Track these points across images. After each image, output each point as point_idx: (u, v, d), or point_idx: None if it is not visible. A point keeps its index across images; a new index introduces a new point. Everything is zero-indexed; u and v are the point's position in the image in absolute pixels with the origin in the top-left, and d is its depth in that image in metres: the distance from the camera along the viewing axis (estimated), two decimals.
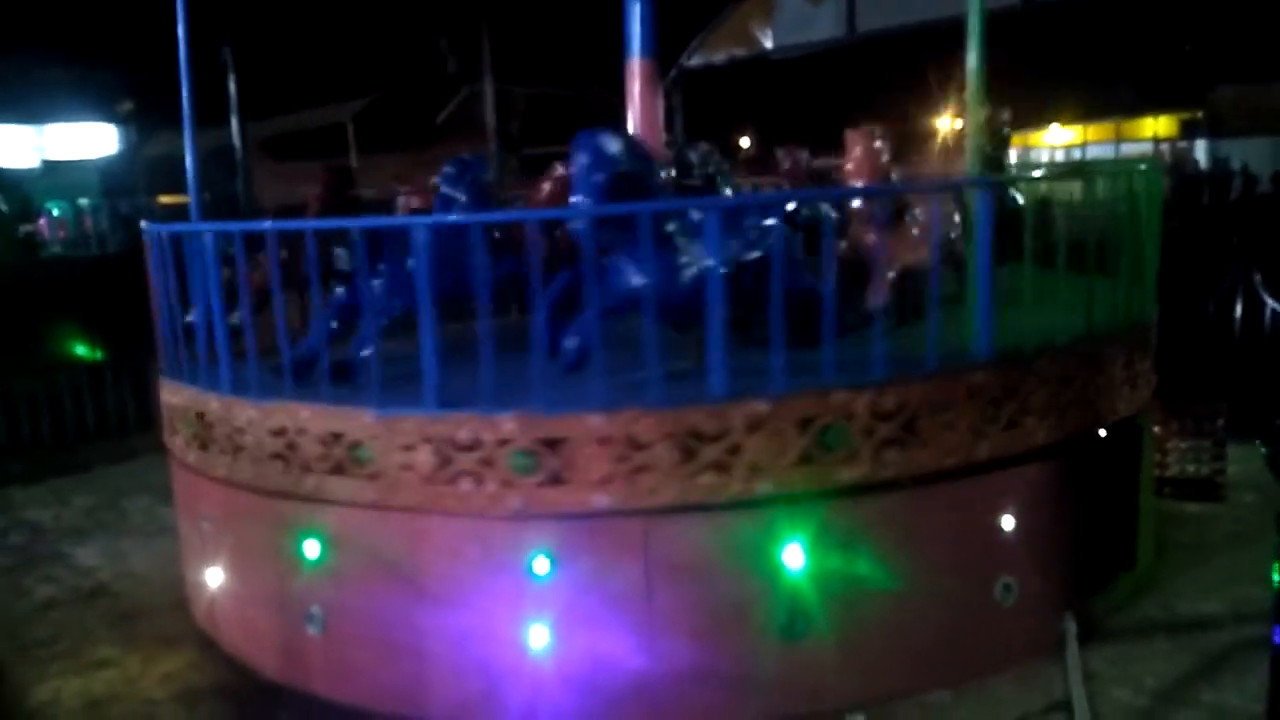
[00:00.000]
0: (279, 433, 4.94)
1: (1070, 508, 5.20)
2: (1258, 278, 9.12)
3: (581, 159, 4.80)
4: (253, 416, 5.03)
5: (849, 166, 6.28)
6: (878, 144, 6.20)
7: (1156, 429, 6.70)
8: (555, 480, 4.47)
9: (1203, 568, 6.04)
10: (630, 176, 4.81)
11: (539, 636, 4.56)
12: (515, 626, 4.58)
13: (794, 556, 4.54)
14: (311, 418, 4.84)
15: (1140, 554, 5.85)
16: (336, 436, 4.78)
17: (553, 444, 4.45)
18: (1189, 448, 7.18)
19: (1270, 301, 9.08)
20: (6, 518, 8.30)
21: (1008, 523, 4.92)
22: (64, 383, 9.93)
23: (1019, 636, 4.99)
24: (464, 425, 4.52)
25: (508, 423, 4.47)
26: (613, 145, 4.82)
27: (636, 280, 4.65)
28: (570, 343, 4.69)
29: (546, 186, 6.97)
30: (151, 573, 6.81)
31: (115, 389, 10.04)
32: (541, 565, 4.52)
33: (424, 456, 4.59)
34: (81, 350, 11.16)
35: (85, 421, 9.96)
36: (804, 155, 7.96)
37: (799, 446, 4.46)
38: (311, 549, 4.95)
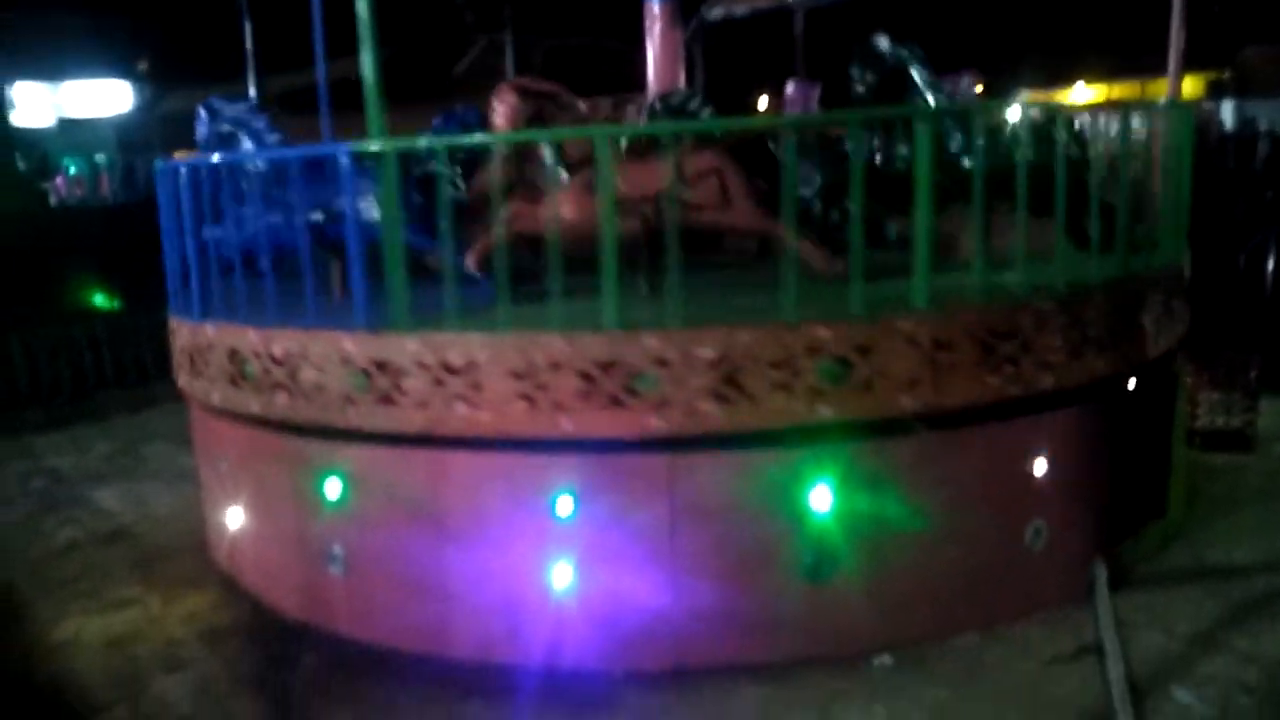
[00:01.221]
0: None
1: (1103, 454, 5.11)
2: None
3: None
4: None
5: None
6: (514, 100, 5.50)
7: (1188, 380, 6.59)
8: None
9: (1233, 518, 5.95)
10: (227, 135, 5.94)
11: (562, 575, 4.51)
12: (539, 565, 4.54)
13: (821, 498, 4.47)
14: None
15: (1171, 503, 5.76)
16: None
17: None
18: (1220, 399, 7.08)
19: None
20: (28, 463, 8.32)
21: (1039, 466, 4.84)
22: (82, 332, 9.94)
23: (1049, 581, 4.92)
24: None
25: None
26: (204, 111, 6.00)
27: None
28: None
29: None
30: (171, 516, 6.81)
31: (133, 338, 10.04)
32: (565, 504, 4.47)
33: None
34: (99, 300, 11.17)
35: (104, 370, 9.98)
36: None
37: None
38: (333, 488, 4.91)
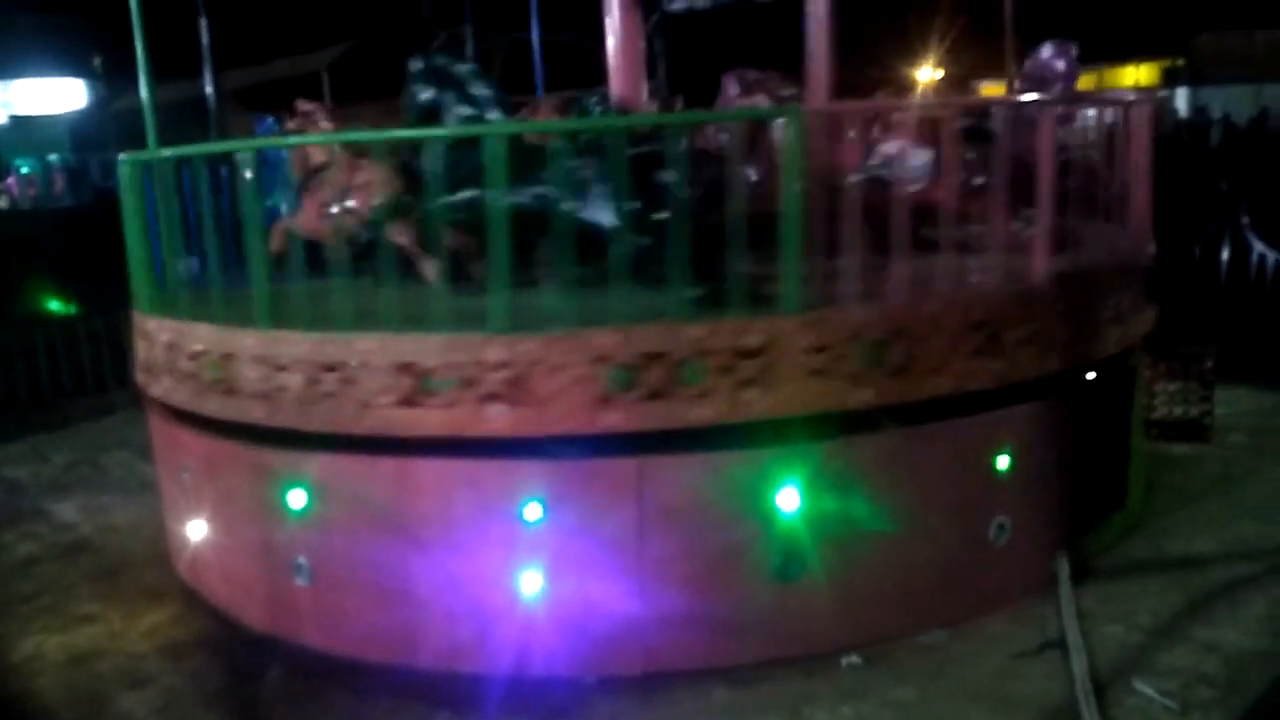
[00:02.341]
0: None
1: (1063, 447, 5.17)
2: (1245, 221, 9.10)
3: None
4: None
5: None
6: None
7: (1145, 371, 6.68)
8: None
9: (1192, 508, 6.05)
10: None
11: (531, 581, 4.50)
12: (507, 571, 4.52)
13: (789, 499, 4.49)
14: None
15: (1131, 494, 5.85)
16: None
17: None
18: (1177, 390, 7.18)
19: (1258, 245, 9.07)
20: None
21: (1002, 462, 4.89)
22: (39, 338, 9.77)
23: (1013, 575, 4.98)
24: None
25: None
26: None
27: None
28: None
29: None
30: (133, 527, 6.71)
31: (90, 344, 9.88)
32: (533, 509, 4.46)
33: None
34: (55, 305, 10.98)
35: (61, 377, 9.81)
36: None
37: None
38: (297, 498, 4.86)
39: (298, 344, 4.72)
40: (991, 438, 4.88)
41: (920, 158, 5.47)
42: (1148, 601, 4.94)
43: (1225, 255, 9.31)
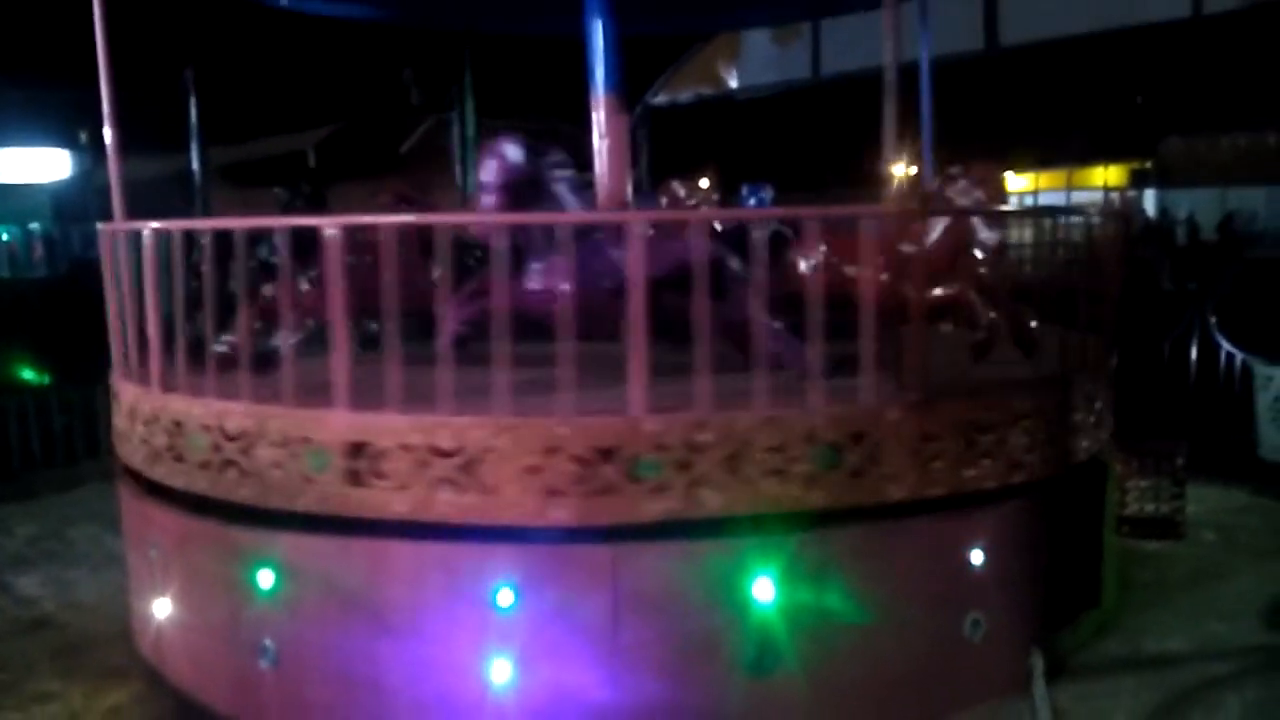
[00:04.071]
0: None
1: (1037, 544, 5.19)
2: (1213, 320, 9.29)
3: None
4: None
5: None
6: None
7: (1117, 468, 6.73)
8: None
9: (1165, 606, 6.05)
10: None
11: (502, 670, 4.43)
12: (478, 659, 4.46)
13: (764, 590, 4.47)
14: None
15: (1105, 592, 5.85)
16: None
17: None
18: (1148, 486, 7.23)
19: (1224, 344, 9.24)
20: None
21: (976, 558, 4.89)
22: (9, 407, 9.65)
23: (988, 672, 4.95)
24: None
25: None
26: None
27: None
28: None
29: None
30: (97, 603, 6.56)
31: (62, 415, 9.77)
32: (506, 596, 4.42)
33: None
34: (27, 374, 10.89)
35: (31, 448, 9.67)
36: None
37: None
38: (265, 579, 4.80)
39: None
40: (966, 534, 4.89)
41: None
42: (1123, 700, 4.92)
43: (1194, 354, 9.48)
